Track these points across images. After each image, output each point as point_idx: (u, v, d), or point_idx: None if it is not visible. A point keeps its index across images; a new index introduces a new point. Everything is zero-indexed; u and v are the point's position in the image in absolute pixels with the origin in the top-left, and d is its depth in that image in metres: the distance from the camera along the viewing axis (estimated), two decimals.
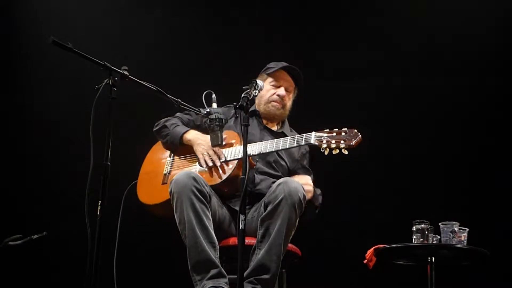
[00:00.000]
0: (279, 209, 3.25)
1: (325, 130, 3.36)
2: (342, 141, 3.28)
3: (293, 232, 3.34)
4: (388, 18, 5.24)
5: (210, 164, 3.52)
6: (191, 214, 3.24)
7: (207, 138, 3.51)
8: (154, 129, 3.77)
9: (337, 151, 3.29)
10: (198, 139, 3.61)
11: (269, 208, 3.28)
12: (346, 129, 3.33)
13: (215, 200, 3.42)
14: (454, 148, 5.04)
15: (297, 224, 3.32)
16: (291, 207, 3.24)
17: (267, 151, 3.47)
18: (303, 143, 3.42)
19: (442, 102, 5.12)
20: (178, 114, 3.80)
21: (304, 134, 3.42)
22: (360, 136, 3.30)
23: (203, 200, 3.28)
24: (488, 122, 5.05)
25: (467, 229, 3.67)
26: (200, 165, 3.56)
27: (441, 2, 5.23)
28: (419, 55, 5.16)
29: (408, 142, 5.08)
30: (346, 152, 3.28)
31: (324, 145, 3.30)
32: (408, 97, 5.14)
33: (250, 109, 3.67)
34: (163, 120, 3.77)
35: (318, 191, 3.65)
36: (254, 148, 3.48)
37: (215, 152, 3.52)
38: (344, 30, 5.22)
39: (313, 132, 3.37)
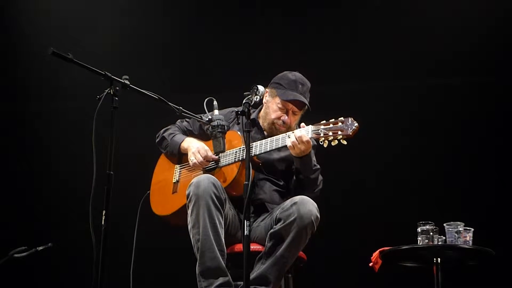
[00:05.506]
0: (289, 229, 3.23)
1: (322, 122, 3.30)
2: (339, 132, 3.23)
3: (301, 249, 3.34)
4: None
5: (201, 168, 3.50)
6: (207, 220, 3.22)
7: (195, 144, 3.52)
8: (156, 141, 3.75)
9: (336, 142, 3.25)
10: (189, 147, 3.57)
11: (279, 225, 3.26)
12: (342, 118, 3.26)
13: (228, 205, 3.40)
14: (455, 148, 5.03)
15: (307, 241, 3.30)
16: (302, 229, 3.22)
17: (268, 149, 3.42)
18: None
19: (443, 103, 5.12)
20: (178, 121, 3.78)
21: (301, 129, 3.34)
22: (356, 124, 3.23)
23: (220, 207, 3.27)
24: (491, 120, 5.05)
25: (472, 229, 3.66)
26: (205, 171, 3.53)
27: None
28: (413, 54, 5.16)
29: (411, 142, 5.08)
30: (345, 142, 3.24)
31: (322, 138, 3.26)
32: (409, 98, 5.14)
33: (252, 116, 3.62)
34: (162, 130, 3.75)
35: (320, 178, 3.58)
36: (255, 148, 3.43)
37: (201, 155, 3.48)
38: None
39: (310, 126, 3.31)
